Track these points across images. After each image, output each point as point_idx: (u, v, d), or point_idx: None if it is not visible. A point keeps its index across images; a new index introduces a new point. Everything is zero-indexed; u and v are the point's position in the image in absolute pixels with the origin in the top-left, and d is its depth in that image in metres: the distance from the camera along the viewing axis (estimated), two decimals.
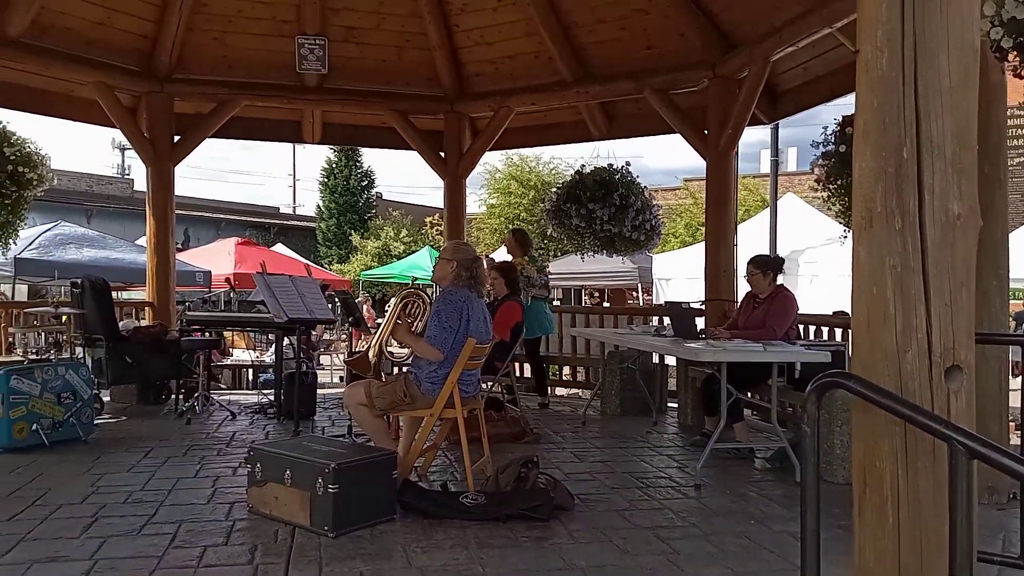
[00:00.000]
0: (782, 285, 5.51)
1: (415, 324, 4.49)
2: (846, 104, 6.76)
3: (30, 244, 10.53)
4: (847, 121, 5.43)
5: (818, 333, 6.14)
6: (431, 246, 22.72)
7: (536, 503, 3.82)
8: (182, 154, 8.28)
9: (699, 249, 12.22)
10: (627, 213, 7.54)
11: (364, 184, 28.95)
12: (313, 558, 3.31)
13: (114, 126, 8.11)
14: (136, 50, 7.80)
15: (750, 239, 10.28)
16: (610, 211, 7.49)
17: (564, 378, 10.08)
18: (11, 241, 7.29)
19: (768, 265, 5.47)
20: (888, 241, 2.01)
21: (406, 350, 4.67)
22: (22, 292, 14.56)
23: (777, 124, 9.26)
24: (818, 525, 2.09)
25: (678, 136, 7.64)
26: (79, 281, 6.58)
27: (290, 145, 31.80)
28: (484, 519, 3.79)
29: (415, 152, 8.97)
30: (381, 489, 3.82)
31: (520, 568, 3.21)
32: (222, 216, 25.77)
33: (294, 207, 36.22)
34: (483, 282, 4.44)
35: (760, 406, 6.03)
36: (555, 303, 18.76)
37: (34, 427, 5.21)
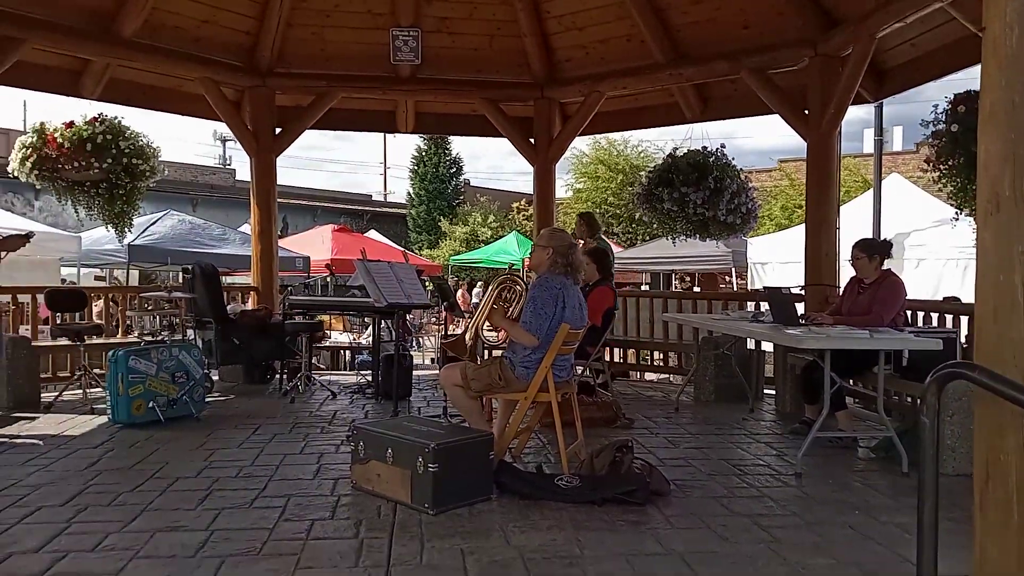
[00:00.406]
0: (889, 270, 5.30)
1: (511, 309, 4.54)
2: (957, 80, 6.43)
3: (143, 232, 11.12)
4: (959, 100, 5.19)
5: (927, 319, 5.88)
6: (518, 231, 22.84)
7: (631, 487, 3.82)
8: (283, 145, 8.59)
9: (796, 232, 11.86)
10: (722, 196, 7.38)
11: (452, 171, 29.33)
12: (415, 534, 3.41)
13: (220, 119, 8.47)
14: (239, 46, 8.11)
15: (852, 221, 9.90)
16: (704, 194, 7.34)
17: (655, 363, 9.98)
18: (126, 229, 7.73)
19: (875, 249, 5.27)
20: (1018, 227, 1.91)
21: (501, 334, 4.73)
22: (134, 277, 15.43)
23: (881, 103, 8.83)
24: (936, 519, 2.02)
25: (775, 116, 7.42)
26: (190, 267, 6.93)
27: (387, 134, 32.36)
28: (579, 502, 3.82)
29: (502, 139, 9.03)
30: (478, 469, 3.89)
31: (617, 551, 3.22)
32: (318, 204, 26.56)
33: (385, 194, 36.99)
34: (579, 268, 4.44)
35: (863, 394, 5.84)
36: (643, 287, 18.61)
37: (151, 404, 5.55)
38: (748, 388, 6.61)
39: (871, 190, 11.00)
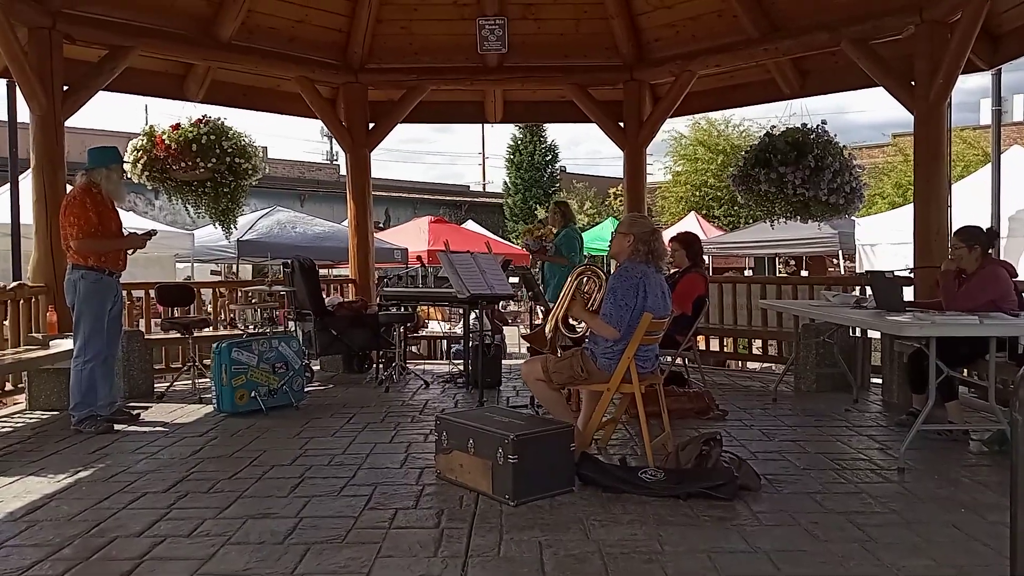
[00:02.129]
0: (991, 258, 4.91)
1: (591, 300, 4.47)
2: None
3: (250, 227, 11.62)
4: None
5: None
6: (614, 217, 22.57)
7: (719, 482, 3.70)
8: (376, 140, 8.77)
9: (908, 211, 11.19)
10: (823, 176, 7.04)
11: (548, 159, 29.27)
12: (494, 525, 3.42)
13: (316, 117, 8.73)
14: (332, 44, 8.33)
15: (969, 197, 9.27)
16: (804, 174, 7.02)
17: (755, 352, 9.67)
18: (232, 226, 8.06)
19: (975, 238, 4.89)
20: None
21: (583, 325, 4.66)
22: (246, 271, 16.14)
23: (999, 69, 8.20)
24: None
25: (881, 88, 7.01)
26: (289, 262, 7.18)
27: (479, 124, 32.68)
28: (662, 496, 3.73)
29: (593, 123, 8.92)
30: (559, 461, 3.86)
31: (700, 548, 3.12)
32: (418, 196, 27.09)
33: (483, 184, 37.29)
34: (661, 256, 4.33)
35: (977, 384, 5.46)
36: (746, 272, 18.04)
37: (252, 394, 5.77)
38: (851, 377, 6.29)
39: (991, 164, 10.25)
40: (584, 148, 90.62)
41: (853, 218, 10.60)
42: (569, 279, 4.49)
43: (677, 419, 5.02)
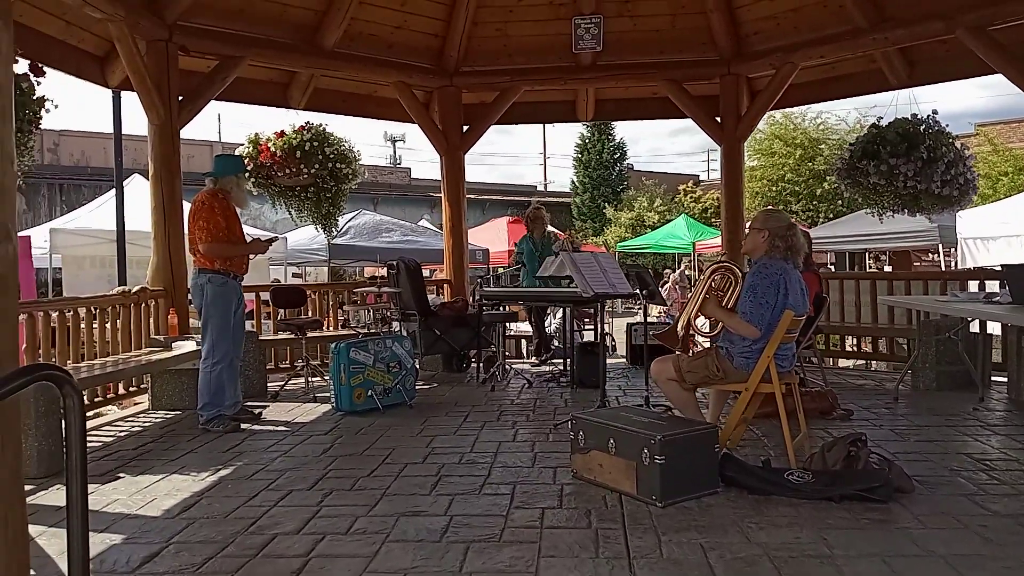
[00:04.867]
0: None
1: (725, 298, 4.40)
2: None
3: (340, 231, 11.84)
4: None
5: None
6: (687, 214, 22.33)
7: (874, 484, 3.60)
8: (470, 142, 8.85)
9: (1013, 203, 10.79)
10: (936, 167, 6.85)
11: (616, 156, 29.12)
12: (648, 526, 3.39)
13: (412, 121, 8.82)
14: (428, 48, 8.43)
15: None
16: (916, 166, 6.84)
17: (849, 349, 9.40)
18: (333, 228, 8.24)
19: None
20: None
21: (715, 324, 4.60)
22: (325, 275, 16.43)
23: None
24: None
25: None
26: (394, 263, 7.28)
27: (557, 124, 32.72)
28: (814, 498, 3.65)
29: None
30: (704, 462, 3.81)
31: (870, 552, 3.05)
32: (486, 197, 27.23)
33: (546, 184, 37.32)
34: (800, 251, 4.24)
35: None
36: (828, 268, 17.60)
37: (369, 393, 5.87)
38: (976, 375, 6.08)
39: None
40: (644, 146, 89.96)
41: (956, 211, 10.23)
42: (702, 276, 4.43)
43: None
